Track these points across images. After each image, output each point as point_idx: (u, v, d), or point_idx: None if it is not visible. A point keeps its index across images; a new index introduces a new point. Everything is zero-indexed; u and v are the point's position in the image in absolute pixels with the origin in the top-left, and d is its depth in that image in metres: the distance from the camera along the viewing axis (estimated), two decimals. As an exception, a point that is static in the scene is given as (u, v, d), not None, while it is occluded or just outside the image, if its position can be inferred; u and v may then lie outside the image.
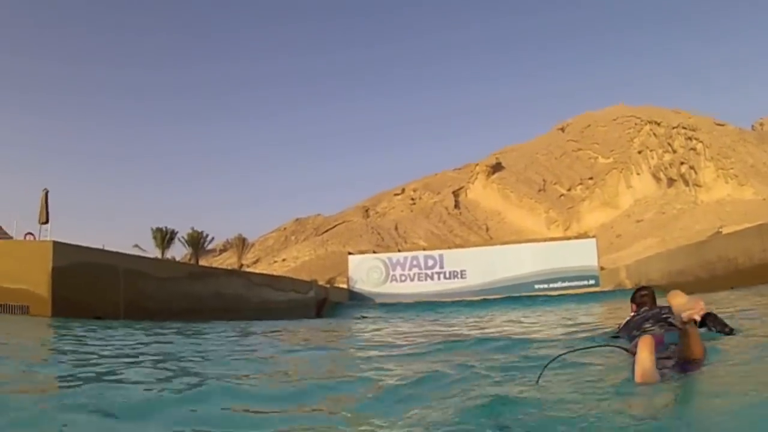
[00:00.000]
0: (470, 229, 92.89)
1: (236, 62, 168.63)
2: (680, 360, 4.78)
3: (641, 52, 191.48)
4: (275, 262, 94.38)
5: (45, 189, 29.71)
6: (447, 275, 50.00)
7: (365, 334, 15.86)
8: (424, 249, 58.84)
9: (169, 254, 78.95)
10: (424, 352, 8.53)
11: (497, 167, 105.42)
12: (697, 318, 4.63)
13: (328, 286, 58.47)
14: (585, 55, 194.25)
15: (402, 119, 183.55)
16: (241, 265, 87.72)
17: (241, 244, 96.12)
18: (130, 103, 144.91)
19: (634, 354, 4.96)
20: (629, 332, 6.26)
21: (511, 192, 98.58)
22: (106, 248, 28.15)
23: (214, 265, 78.81)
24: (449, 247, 58.52)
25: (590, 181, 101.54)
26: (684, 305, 4.66)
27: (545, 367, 4.85)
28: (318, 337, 14.55)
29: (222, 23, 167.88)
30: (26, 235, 30.57)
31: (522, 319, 19.58)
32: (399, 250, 62.45)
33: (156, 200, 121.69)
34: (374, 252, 60.53)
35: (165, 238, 79.69)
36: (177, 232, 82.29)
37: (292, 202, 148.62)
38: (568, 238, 58.79)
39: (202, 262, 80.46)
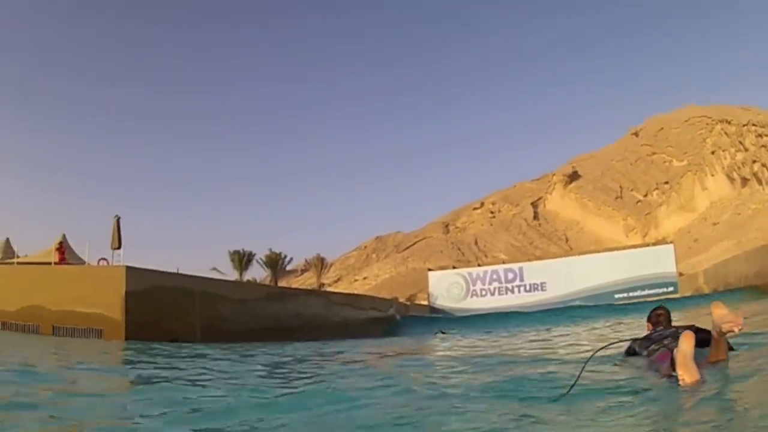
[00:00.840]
0: (550, 240, 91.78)
1: (310, 83, 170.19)
2: (709, 362, 5.41)
3: (707, 48, 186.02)
4: (356, 280, 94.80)
5: (117, 216, 31.38)
6: (527, 288, 49.76)
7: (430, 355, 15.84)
8: (503, 262, 58.82)
9: (247, 276, 79.70)
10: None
11: (574, 176, 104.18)
12: (736, 331, 5.08)
13: (408, 303, 59.07)
14: (653, 55, 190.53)
15: (478, 130, 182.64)
16: (321, 285, 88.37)
17: (320, 263, 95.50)
18: (203, 127, 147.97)
19: (652, 360, 6.23)
20: (648, 346, 6.79)
21: (589, 200, 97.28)
22: (181, 272, 28.80)
23: (295, 285, 79.05)
24: (529, 260, 58.26)
25: (666, 186, 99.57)
26: (725, 316, 5.11)
27: (576, 379, 5.25)
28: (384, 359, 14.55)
29: (296, 43, 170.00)
30: (100, 260, 31.48)
31: (594, 330, 19.30)
32: (479, 265, 62.03)
33: (233, 223, 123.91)
34: (454, 267, 60.47)
35: (243, 260, 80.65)
36: (255, 254, 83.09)
37: (372, 220, 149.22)
38: (647, 245, 58.04)
39: (282, 283, 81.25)
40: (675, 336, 6.24)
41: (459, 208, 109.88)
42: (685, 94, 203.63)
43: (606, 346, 7.06)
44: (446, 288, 52.90)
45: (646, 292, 45.30)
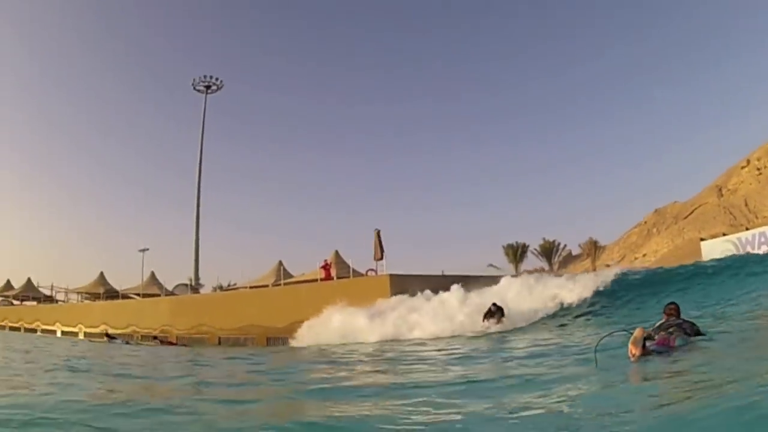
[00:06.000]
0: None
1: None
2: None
3: None
4: (636, 258, 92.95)
5: (377, 229, 34.67)
6: (797, 247, 46.28)
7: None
8: (769, 223, 56.21)
9: (522, 268, 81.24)
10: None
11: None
12: (632, 359, 8.38)
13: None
14: None
15: (740, 82, 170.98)
16: (594, 269, 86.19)
17: (593, 247, 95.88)
18: (473, 127, 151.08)
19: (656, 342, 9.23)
20: (658, 332, 9.54)
21: None
22: (447, 273, 31.20)
23: (578, 271, 78.45)
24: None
25: None
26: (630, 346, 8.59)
27: (595, 352, 8.61)
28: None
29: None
30: (368, 271, 35.65)
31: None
32: (746, 229, 58.01)
33: (506, 217, 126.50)
34: (724, 234, 56.52)
35: (517, 252, 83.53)
36: (528, 246, 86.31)
37: (650, 192, 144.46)
38: None
39: (565, 271, 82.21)
40: (679, 326, 9.70)
41: (729, 169, 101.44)
42: None
43: (612, 333, 9.77)
44: (719, 256, 51.09)
45: None
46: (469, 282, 27.51)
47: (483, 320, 23.61)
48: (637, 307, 22.20)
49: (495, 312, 23.58)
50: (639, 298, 23.55)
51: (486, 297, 25.34)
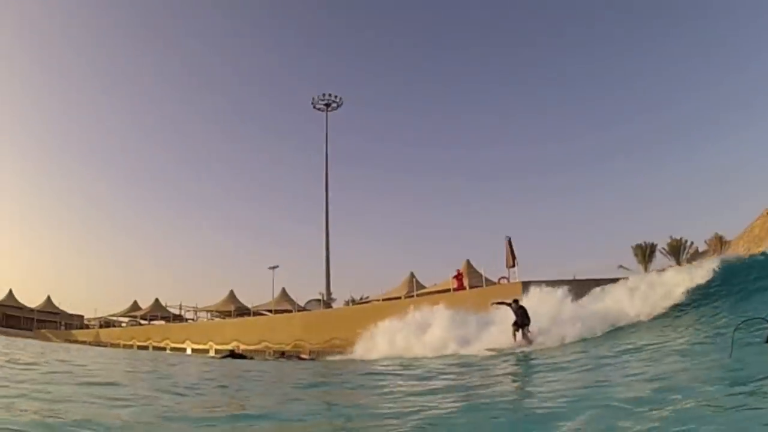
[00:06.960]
0: None
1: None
2: None
3: None
4: (760, 251, 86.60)
5: (508, 237, 34.71)
6: None
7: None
8: None
9: (651, 268, 75.48)
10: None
11: None
12: None
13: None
14: None
15: None
16: None
17: (719, 243, 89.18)
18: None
19: None
20: None
21: None
22: (578, 277, 30.83)
23: None
24: None
25: None
26: None
27: (732, 344, 9.75)
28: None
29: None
30: (501, 279, 35.70)
31: None
32: None
33: (634, 217, 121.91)
34: None
35: (645, 252, 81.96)
36: (656, 245, 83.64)
37: None
38: None
39: None
40: None
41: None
42: None
43: (747, 320, 11.20)
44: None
45: None
46: (600, 285, 27.31)
47: (513, 332, 23.40)
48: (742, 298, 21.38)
49: (521, 318, 23.38)
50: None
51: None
